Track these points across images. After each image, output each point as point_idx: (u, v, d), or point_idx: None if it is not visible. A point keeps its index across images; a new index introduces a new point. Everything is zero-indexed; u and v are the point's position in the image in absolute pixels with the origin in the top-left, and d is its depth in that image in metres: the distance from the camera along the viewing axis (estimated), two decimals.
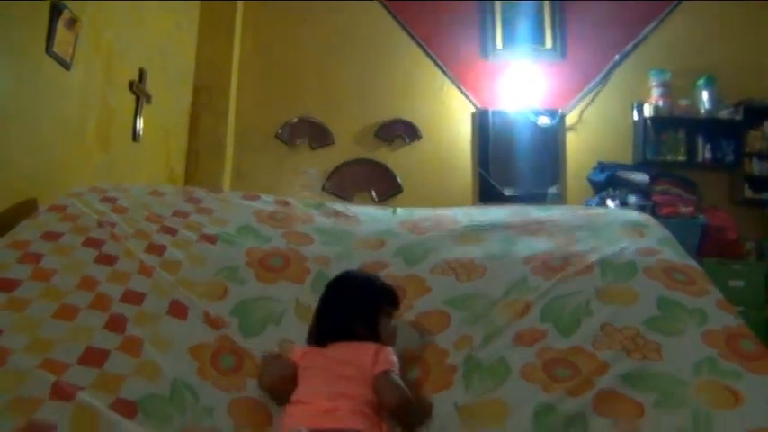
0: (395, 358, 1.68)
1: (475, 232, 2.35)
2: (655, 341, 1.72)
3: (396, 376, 1.63)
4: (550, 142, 4.98)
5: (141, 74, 3.75)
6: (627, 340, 1.73)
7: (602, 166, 4.85)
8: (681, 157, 4.84)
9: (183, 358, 1.72)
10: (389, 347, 1.71)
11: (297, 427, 1.49)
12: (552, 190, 4.90)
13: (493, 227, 2.38)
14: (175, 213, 2.40)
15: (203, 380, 1.68)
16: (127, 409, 1.51)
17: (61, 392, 1.47)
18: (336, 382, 1.61)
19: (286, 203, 2.66)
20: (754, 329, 1.89)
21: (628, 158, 4.95)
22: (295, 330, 1.90)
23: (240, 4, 5.03)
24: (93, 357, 1.63)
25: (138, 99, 3.72)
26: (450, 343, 1.82)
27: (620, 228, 2.33)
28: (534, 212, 2.55)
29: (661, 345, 1.71)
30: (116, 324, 1.76)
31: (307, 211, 2.60)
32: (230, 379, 1.71)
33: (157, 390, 1.59)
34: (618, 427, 1.50)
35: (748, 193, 4.76)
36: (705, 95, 4.89)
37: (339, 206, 2.72)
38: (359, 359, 1.65)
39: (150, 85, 3.84)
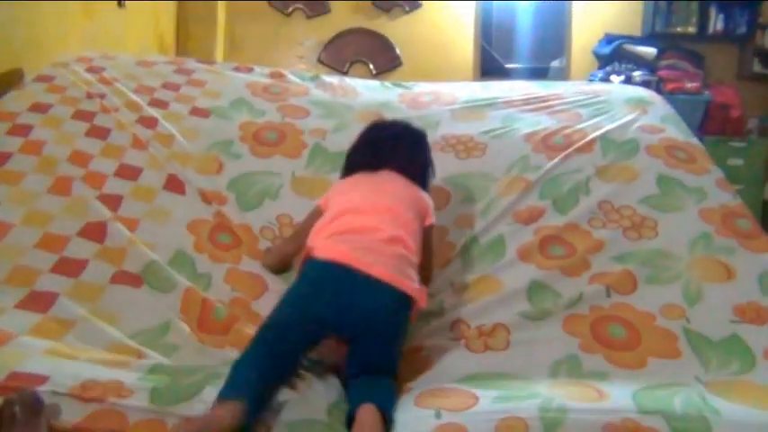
0: None
1: (475, 108, 2.30)
2: (651, 218, 1.75)
3: None
4: (556, 12, 4.78)
5: None
6: (624, 219, 1.74)
7: (608, 39, 4.69)
8: (691, 29, 4.67)
9: (181, 232, 1.73)
10: None
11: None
12: (556, 63, 4.76)
13: (493, 103, 2.33)
14: (166, 85, 2.33)
15: (200, 252, 1.69)
16: (131, 279, 1.55)
17: (64, 267, 1.50)
18: (396, 209, 1.56)
19: (281, 75, 2.57)
20: (752, 207, 1.91)
21: (637, 31, 4.76)
22: (292, 204, 1.90)
23: None
24: (93, 232, 1.64)
25: None
26: (451, 221, 1.82)
27: (624, 104, 2.29)
28: (536, 88, 2.48)
29: (657, 222, 1.74)
30: (111, 202, 1.75)
31: (302, 84, 2.52)
32: (227, 254, 1.72)
33: (157, 257, 1.61)
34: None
35: (757, 67, 4.64)
36: None
37: (335, 79, 2.64)
38: (420, 200, 1.65)
39: None
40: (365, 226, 1.50)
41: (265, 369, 1.23)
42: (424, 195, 1.70)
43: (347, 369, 1.34)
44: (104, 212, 1.70)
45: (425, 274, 1.62)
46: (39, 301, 1.43)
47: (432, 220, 1.67)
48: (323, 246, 1.46)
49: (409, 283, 1.42)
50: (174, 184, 1.87)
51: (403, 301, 1.40)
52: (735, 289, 1.55)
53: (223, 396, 1.14)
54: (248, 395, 1.14)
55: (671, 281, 1.57)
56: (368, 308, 1.36)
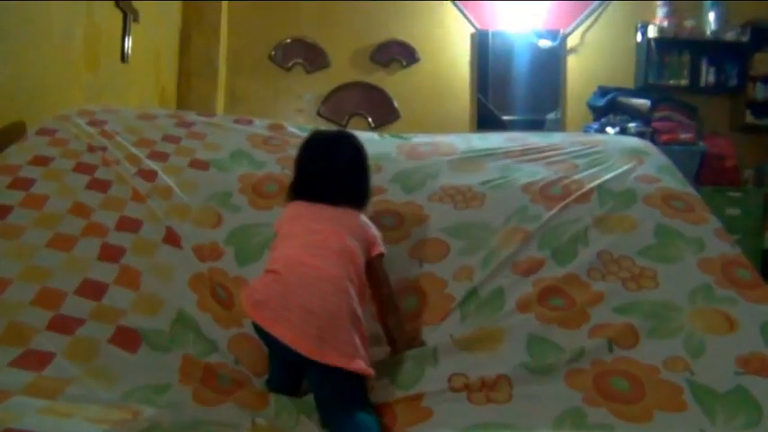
0: None
1: (473, 159, 2.31)
2: (651, 269, 1.74)
3: None
4: (551, 65, 4.87)
5: None
6: (623, 270, 1.73)
7: (602, 91, 4.77)
8: (683, 81, 4.76)
9: (183, 289, 1.71)
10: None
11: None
12: (551, 115, 4.83)
13: (491, 153, 2.34)
14: (166, 138, 2.35)
15: (203, 312, 1.67)
16: (131, 338, 1.53)
17: (60, 325, 1.49)
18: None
19: (280, 128, 2.60)
20: (751, 257, 1.91)
21: (629, 82, 4.86)
22: None
23: None
24: (91, 290, 1.63)
25: (125, 17, 3.58)
26: (450, 273, 1.81)
27: (620, 155, 2.31)
28: (533, 139, 2.51)
29: (657, 272, 1.73)
30: (112, 254, 1.75)
31: (302, 136, 2.54)
32: (228, 313, 1.70)
33: (158, 325, 1.59)
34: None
35: (750, 118, 4.71)
36: (712, 16, 4.76)
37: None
38: (362, 230, 1.64)
39: (138, 2, 3.69)
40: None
41: None
42: (367, 224, 1.68)
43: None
44: (105, 269, 1.69)
45: (387, 303, 1.65)
46: (34, 360, 1.40)
47: (378, 247, 1.65)
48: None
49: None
50: (172, 239, 1.86)
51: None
52: (737, 340, 1.53)
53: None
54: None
55: (673, 333, 1.56)
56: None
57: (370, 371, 1.43)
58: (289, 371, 1.53)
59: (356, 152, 1.78)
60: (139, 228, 1.86)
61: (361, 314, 1.50)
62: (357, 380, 1.44)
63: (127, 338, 1.53)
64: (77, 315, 1.55)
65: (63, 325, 1.51)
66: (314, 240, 1.58)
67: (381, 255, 1.66)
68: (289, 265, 1.52)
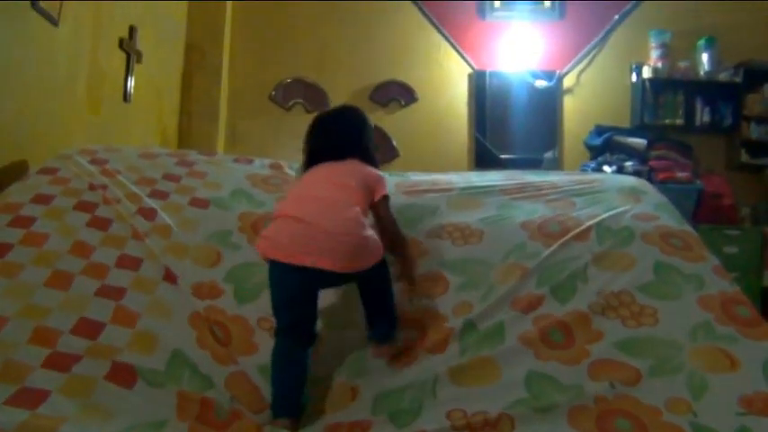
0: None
1: (471, 196, 2.33)
2: (651, 306, 1.74)
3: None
4: (548, 105, 4.93)
5: (131, 31, 3.66)
6: (622, 307, 1.73)
7: (599, 130, 4.82)
8: (678, 121, 4.80)
9: (181, 327, 1.71)
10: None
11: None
12: (549, 154, 4.86)
13: (489, 191, 2.36)
14: (167, 177, 2.37)
15: (202, 349, 1.67)
16: (127, 374, 1.52)
17: (56, 362, 1.48)
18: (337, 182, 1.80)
19: (280, 167, 2.62)
20: (750, 295, 1.91)
21: (625, 122, 4.90)
22: None
23: None
24: (88, 328, 1.62)
25: (128, 57, 3.64)
26: (450, 308, 1.81)
27: (618, 193, 2.33)
28: (531, 177, 2.53)
29: (657, 310, 1.73)
30: (110, 292, 1.75)
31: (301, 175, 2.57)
32: (225, 350, 1.69)
33: (154, 363, 1.59)
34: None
35: (745, 157, 4.74)
36: (705, 57, 4.83)
37: None
38: (363, 170, 1.86)
39: (141, 43, 3.76)
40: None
41: None
42: (372, 171, 1.90)
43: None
44: (102, 307, 1.69)
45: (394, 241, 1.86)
46: (28, 398, 1.39)
47: (381, 190, 1.86)
48: None
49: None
50: (170, 277, 1.86)
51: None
52: (740, 379, 1.52)
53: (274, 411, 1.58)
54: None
55: (674, 372, 1.55)
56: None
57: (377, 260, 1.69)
58: (305, 304, 1.67)
59: (355, 116, 2.06)
60: (139, 266, 1.87)
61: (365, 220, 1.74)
62: (383, 270, 1.75)
63: (123, 374, 1.52)
64: (73, 352, 1.54)
65: (59, 362, 1.50)
66: (316, 180, 1.83)
67: (385, 197, 1.86)
68: (298, 202, 1.75)
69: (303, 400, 1.58)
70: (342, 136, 1.97)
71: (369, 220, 1.82)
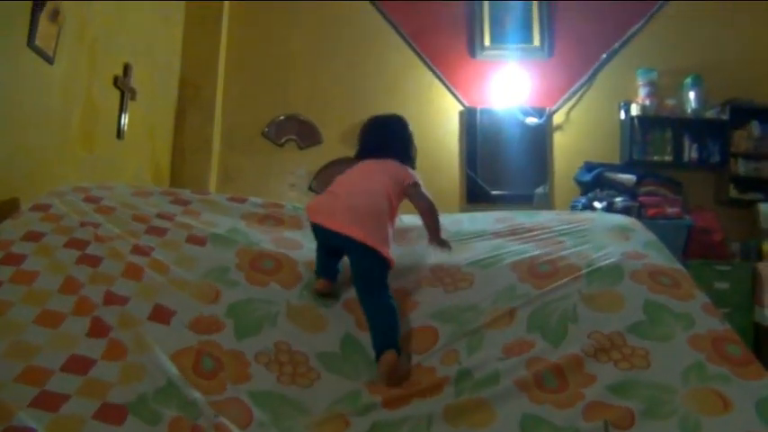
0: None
1: (462, 242, 2.39)
2: (642, 348, 1.74)
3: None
4: (538, 141, 4.98)
5: (126, 69, 3.70)
6: (614, 350, 1.73)
7: (588, 166, 4.86)
8: (667, 157, 4.86)
9: (167, 362, 1.69)
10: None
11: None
12: (540, 190, 4.90)
13: (481, 235, 2.40)
14: (162, 215, 2.38)
15: (187, 381, 1.65)
16: (116, 413, 1.50)
17: (44, 402, 1.46)
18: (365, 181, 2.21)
19: (275, 206, 2.66)
20: (741, 332, 1.91)
21: (615, 158, 4.96)
22: (289, 332, 1.90)
23: None
24: (78, 365, 1.61)
25: (122, 95, 3.67)
26: (438, 360, 1.81)
27: (607, 232, 2.36)
28: (521, 218, 2.58)
29: (648, 351, 1.73)
30: (100, 329, 1.73)
31: (295, 215, 2.61)
32: (210, 382, 1.68)
33: (144, 388, 1.57)
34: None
35: (734, 193, 4.79)
36: (691, 95, 4.91)
37: None
38: (396, 168, 2.27)
39: (135, 81, 3.79)
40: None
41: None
42: (401, 168, 2.28)
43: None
44: (93, 344, 1.68)
45: (426, 213, 2.24)
46: None
47: (408, 180, 2.23)
48: None
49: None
50: (161, 314, 1.85)
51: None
52: (733, 421, 1.51)
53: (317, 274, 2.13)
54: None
55: (668, 415, 1.54)
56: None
57: (393, 261, 2.04)
58: (331, 258, 2.16)
59: (399, 124, 2.51)
60: (127, 303, 1.86)
61: (390, 226, 2.12)
62: (384, 265, 2.03)
63: (112, 413, 1.50)
64: (63, 391, 1.52)
65: (47, 401, 1.48)
66: (359, 171, 2.28)
67: (414, 183, 2.24)
68: (340, 184, 2.24)
69: (337, 270, 2.15)
70: (386, 139, 2.41)
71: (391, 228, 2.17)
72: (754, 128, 4.82)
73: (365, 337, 1.93)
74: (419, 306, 2.02)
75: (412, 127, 2.53)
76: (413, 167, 2.37)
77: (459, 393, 1.67)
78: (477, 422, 1.57)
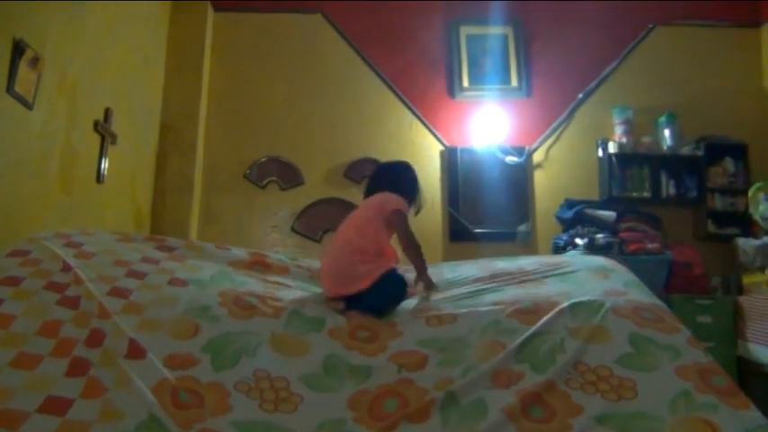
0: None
1: (445, 287, 2.40)
2: (629, 378, 1.74)
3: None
4: (518, 180, 5.03)
5: (107, 113, 3.71)
6: (601, 381, 1.73)
7: (569, 204, 4.91)
8: (646, 194, 4.93)
9: (147, 398, 1.65)
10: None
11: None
12: (522, 228, 4.93)
13: (462, 280, 2.44)
14: (145, 260, 2.36)
15: (167, 416, 1.60)
16: None
17: None
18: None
19: (260, 255, 2.68)
20: (725, 366, 1.91)
21: (594, 195, 5.02)
22: (269, 360, 1.86)
23: (208, 42, 5.04)
24: (55, 406, 1.56)
25: (103, 139, 3.66)
26: (431, 383, 1.79)
27: (587, 272, 2.42)
28: (502, 264, 2.64)
29: (636, 382, 1.72)
30: (79, 368, 1.70)
31: (281, 263, 2.62)
32: (189, 414, 1.63)
33: (126, 425, 1.53)
34: None
35: (712, 228, 4.85)
36: (667, 132, 5.02)
37: (315, 262, 2.76)
38: (383, 197, 2.38)
39: (116, 125, 3.79)
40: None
41: None
42: (390, 195, 2.38)
43: None
44: (71, 384, 1.64)
45: (405, 249, 2.36)
46: None
47: (392, 207, 2.32)
48: None
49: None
50: (136, 352, 1.80)
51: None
52: None
53: None
54: None
55: None
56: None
57: (385, 270, 2.24)
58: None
59: (400, 167, 2.61)
60: (102, 342, 1.82)
61: (367, 256, 2.26)
62: (374, 288, 2.18)
63: None
64: None
65: None
66: (346, 220, 2.38)
67: (395, 210, 2.31)
68: (328, 243, 2.43)
69: None
70: (382, 179, 2.50)
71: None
72: (729, 164, 4.92)
73: (349, 355, 1.91)
74: (404, 335, 2.00)
75: (417, 172, 2.63)
76: (410, 204, 2.46)
77: (445, 422, 1.64)
78: None
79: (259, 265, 2.60)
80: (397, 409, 1.70)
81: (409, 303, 2.27)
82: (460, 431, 1.60)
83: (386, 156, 4.99)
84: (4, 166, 2.69)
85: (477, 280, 2.44)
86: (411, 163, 2.69)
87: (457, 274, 2.58)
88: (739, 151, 4.97)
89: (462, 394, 1.72)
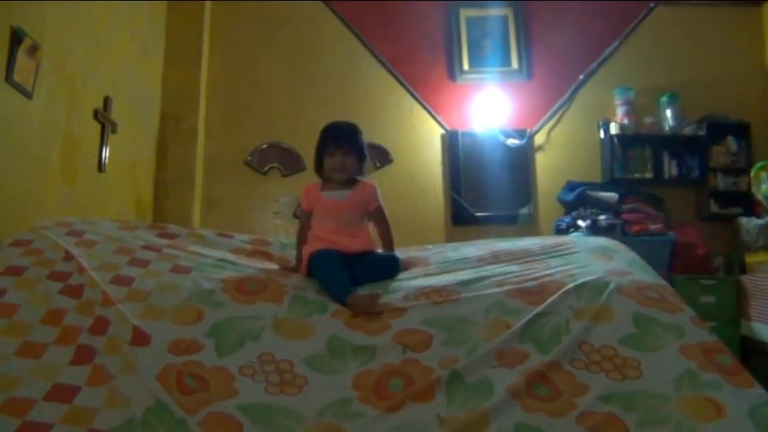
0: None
1: (447, 267, 2.42)
2: (633, 358, 1.74)
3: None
4: (520, 162, 5.03)
5: (106, 102, 3.70)
6: (605, 361, 1.73)
7: (571, 186, 4.90)
8: (648, 174, 4.92)
9: (153, 384, 1.65)
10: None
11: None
12: (524, 210, 4.93)
13: (464, 261, 2.43)
14: (147, 247, 2.36)
15: (174, 399, 1.61)
16: None
17: None
18: None
19: (263, 243, 2.68)
20: (729, 344, 1.92)
21: (596, 177, 5.01)
22: (274, 344, 1.86)
23: (207, 29, 5.01)
24: (62, 393, 1.57)
25: (103, 128, 3.66)
26: (436, 362, 1.79)
27: (590, 252, 2.40)
28: (504, 245, 2.63)
29: (640, 361, 1.72)
30: (84, 356, 1.70)
31: (283, 253, 2.64)
32: (196, 398, 1.64)
33: (133, 411, 1.53)
34: None
35: (714, 208, 4.85)
36: (668, 112, 5.00)
37: None
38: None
39: (116, 113, 3.78)
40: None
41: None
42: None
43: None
44: (77, 372, 1.65)
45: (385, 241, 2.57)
46: None
47: (375, 203, 2.52)
48: None
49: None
50: (140, 338, 1.81)
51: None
52: (727, 427, 1.51)
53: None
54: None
55: (662, 423, 1.53)
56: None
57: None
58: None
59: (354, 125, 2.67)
60: (106, 329, 1.82)
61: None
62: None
63: None
64: (46, 420, 1.48)
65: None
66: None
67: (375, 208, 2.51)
68: None
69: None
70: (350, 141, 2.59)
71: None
72: (731, 143, 4.91)
73: (352, 335, 1.91)
74: (407, 313, 2.00)
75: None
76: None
77: (450, 401, 1.64)
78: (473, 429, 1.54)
79: (261, 255, 2.60)
80: (403, 388, 1.70)
81: (412, 282, 2.26)
82: (466, 410, 1.60)
83: (386, 141, 5.00)
84: (4, 155, 2.69)
85: (481, 260, 2.42)
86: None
87: (459, 254, 2.57)
88: (742, 130, 4.95)
89: (467, 373, 1.72)
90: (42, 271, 2.07)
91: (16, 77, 2.70)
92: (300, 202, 2.47)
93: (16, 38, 2.68)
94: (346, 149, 2.46)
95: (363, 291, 2.14)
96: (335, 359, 1.83)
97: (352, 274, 2.23)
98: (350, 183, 2.49)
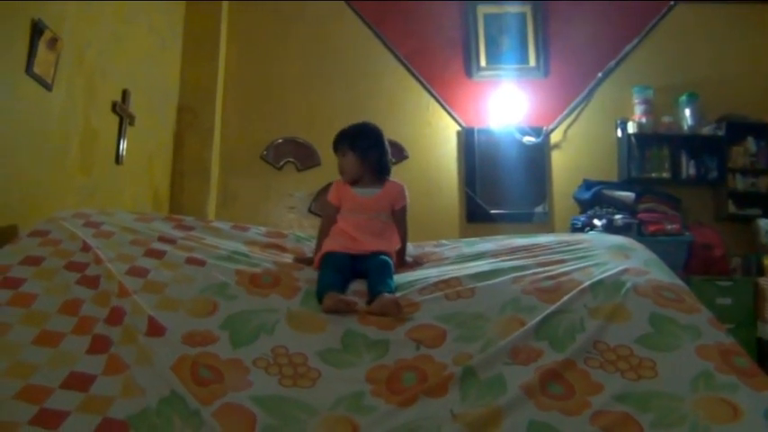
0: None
1: (462, 261, 2.42)
2: (649, 358, 1.72)
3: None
4: (536, 160, 5.00)
5: (124, 94, 3.72)
6: (621, 360, 1.72)
7: (587, 184, 4.87)
8: (665, 174, 4.88)
9: (167, 375, 1.66)
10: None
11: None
12: (539, 209, 4.90)
13: (480, 256, 2.43)
14: (162, 239, 2.38)
15: (189, 391, 1.62)
16: (117, 428, 1.46)
17: (43, 419, 1.43)
18: None
19: (278, 236, 2.68)
20: (746, 346, 1.90)
21: (613, 176, 4.97)
22: (288, 337, 1.87)
23: (224, 24, 5.03)
24: (78, 381, 1.59)
25: (121, 120, 3.68)
26: (450, 358, 1.79)
27: (606, 251, 2.37)
28: (521, 241, 2.63)
29: (656, 362, 1.71)
30: (100, 345, 1.72)
31: (298, 245, 2.64)
32: (210, 390, 1.65)
33: (148, 401, 1.54)
34: None
35: (732, 208, 4.80)
36: (687, 112, 4.95)
37: None
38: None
39: (134, 106, 3.81)
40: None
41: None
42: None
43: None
44: (93, 360, 1.66)
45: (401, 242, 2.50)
46: None
47: (403, 202, 2.56)
48: None
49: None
50: (156, 330, 1.82)
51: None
52: (743, 428, 1.49)
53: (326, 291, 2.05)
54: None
55: (677, 424, 1.51)
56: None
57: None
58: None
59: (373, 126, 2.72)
60: (122, 320, 1.84)
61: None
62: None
63: (113, 429, 1.46)
64: (62, 408, 1.50)
65: (46, 419, 1.45)
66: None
67: (401, 208, 2.55)
68: None
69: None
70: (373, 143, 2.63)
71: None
72: (750, 144, 4.85)
73: (366, 330, 1.91)
74: (421, 308, 2.00)
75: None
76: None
77: (464, 397, 1.64)
78: (485, 429, 1.53)
79: (275, 247, 2.61)
80: (416, 383, 1.70)
81: (426, 276, 2.26)
82: (479, 406, 1.60)
83: (402, 137, 5.00)
84: (24, 146, 2.71)
85: (496, 255, 2.42)
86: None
87: (475, 249, 2.57)
88: (761, 131, 4.90)
89: (481, 369, 1.72)
90: (60, 261, 2.09)
91: (36, 69, 2.72)
92: (329, 194, 2.52)
93: (37, 30, 2.70)
94: (344, 152, 2.53)
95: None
96: (349, 353, 1.83)
97: (361, 270, 2.25)
98: (380, 181, 2.53)
